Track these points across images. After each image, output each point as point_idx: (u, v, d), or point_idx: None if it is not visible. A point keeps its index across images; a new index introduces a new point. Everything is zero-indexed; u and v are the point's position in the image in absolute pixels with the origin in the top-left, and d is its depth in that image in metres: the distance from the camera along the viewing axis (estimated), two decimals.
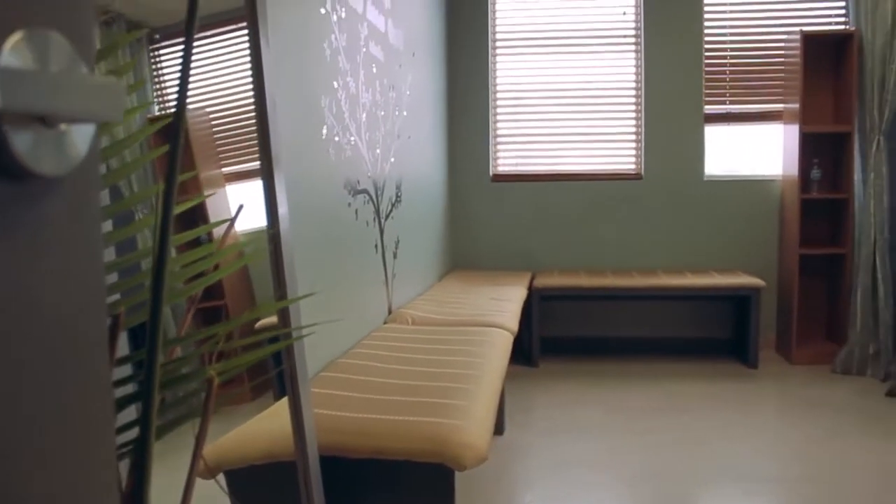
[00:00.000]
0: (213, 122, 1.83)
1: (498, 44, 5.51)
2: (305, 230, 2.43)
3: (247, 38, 1.70)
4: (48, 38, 0.54)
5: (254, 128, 1.76)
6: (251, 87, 1.73)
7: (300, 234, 2.35)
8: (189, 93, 0.83)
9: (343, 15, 2.89)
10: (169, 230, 0.81)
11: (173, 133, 0.83)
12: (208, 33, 1.76)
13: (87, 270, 0.60)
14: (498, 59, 5.52)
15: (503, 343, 3.26)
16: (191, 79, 0.84)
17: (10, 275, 0.51)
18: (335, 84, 2.79)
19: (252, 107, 1.75)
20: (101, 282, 0.63)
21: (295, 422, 1.81)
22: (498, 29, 5.51)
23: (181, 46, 0.88)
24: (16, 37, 0.51)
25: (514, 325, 3.70)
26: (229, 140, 1.89)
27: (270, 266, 1.76)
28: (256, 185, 1.77)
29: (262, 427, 1.96)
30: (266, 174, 1.76)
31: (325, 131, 2.67)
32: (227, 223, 1.34)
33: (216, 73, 1.84)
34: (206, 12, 1.62)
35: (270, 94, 1.74)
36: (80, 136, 0.57)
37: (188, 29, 0.83)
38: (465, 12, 5.46)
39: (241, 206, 1.48)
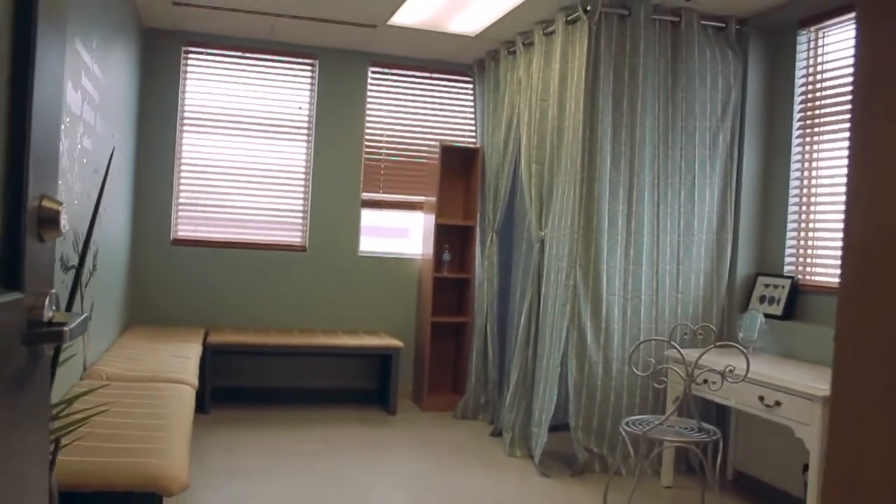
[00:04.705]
0: None
1: (185, 121, 6.07)
2: None
3: None
4: (54, 295, 1.21)
5: None
6: None
7: None
8: None
9: (68, 122, 3.36)
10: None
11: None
12: None
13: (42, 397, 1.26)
14: (185, 135, 6.07)
15: (188, 397, 3.86)
16: None
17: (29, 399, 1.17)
18: (59, 184, 3.25)
19: None
20: (48, 402, 1.27)
21: None
22: (186, 108, 6.07)
23: None
24: (49, 297, 1.19)
25: (195, 380, 4.29)
26: None
27: None
28: None
29: None
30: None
31: None
32: None
33: None
34: None
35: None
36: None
37: None
38: (158, 91, 5.95)
39: None
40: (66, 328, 1.20)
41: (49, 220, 1.25)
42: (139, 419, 3.24)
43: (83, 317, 1.28)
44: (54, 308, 1.28)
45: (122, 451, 2.75)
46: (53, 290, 1.29)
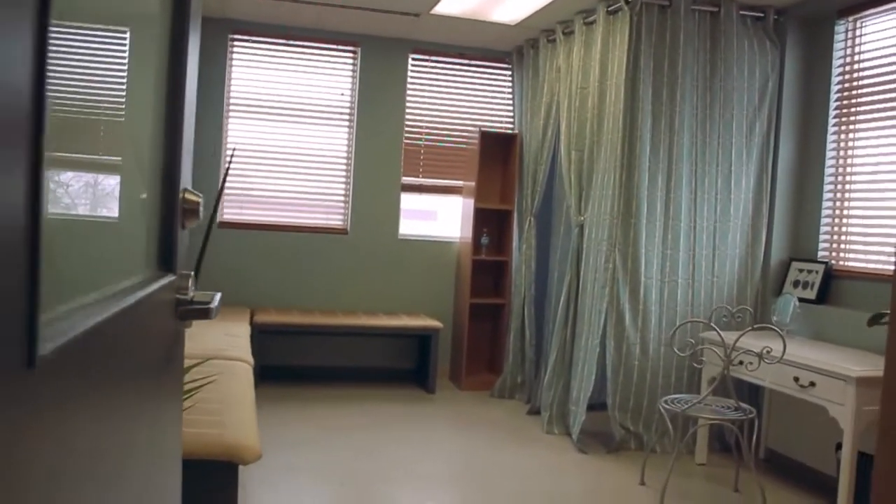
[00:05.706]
0: None
1: (231, 107, 6.26)
2: None
3: None
4: (194, 276, 1.38)
5: None
6: None
7: None
8: None
9: None
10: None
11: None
12: None
13: (180, 367, 1.43)
14: (230, 120, 6.26)
15: (247, 373, 4.07)
16: None
17: (174, 368, 1.35)
18: None
19: None
20: (183, 371, 1.45)
21: None
22: (232, 94, 6.26)
23: None
24: (191, 278, 1.36)
25: (250, 358, 4.50)
26: None
27: None
28: None
29: None
30: None
31: None
32: None
33: None
34: None
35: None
36: None
37: None
38: (205, 77, 6.13)
39: None
40: (211, 306, 1.37)
41: (191, 211, 1.43)
42: (206, 393, 3.43)
43: (219, 296, 1.46)
44: (194, 288, 1.46)
45: (197, 423, 2.95)
46: (193, 273, 1.46)
